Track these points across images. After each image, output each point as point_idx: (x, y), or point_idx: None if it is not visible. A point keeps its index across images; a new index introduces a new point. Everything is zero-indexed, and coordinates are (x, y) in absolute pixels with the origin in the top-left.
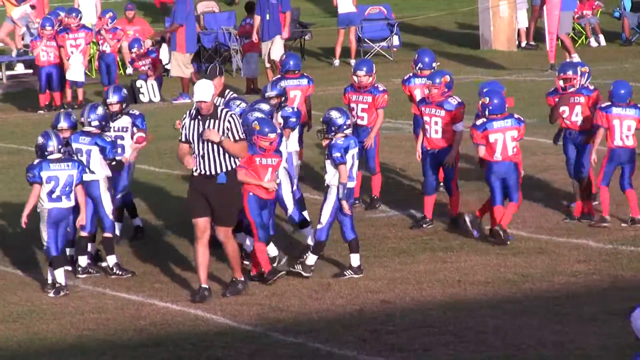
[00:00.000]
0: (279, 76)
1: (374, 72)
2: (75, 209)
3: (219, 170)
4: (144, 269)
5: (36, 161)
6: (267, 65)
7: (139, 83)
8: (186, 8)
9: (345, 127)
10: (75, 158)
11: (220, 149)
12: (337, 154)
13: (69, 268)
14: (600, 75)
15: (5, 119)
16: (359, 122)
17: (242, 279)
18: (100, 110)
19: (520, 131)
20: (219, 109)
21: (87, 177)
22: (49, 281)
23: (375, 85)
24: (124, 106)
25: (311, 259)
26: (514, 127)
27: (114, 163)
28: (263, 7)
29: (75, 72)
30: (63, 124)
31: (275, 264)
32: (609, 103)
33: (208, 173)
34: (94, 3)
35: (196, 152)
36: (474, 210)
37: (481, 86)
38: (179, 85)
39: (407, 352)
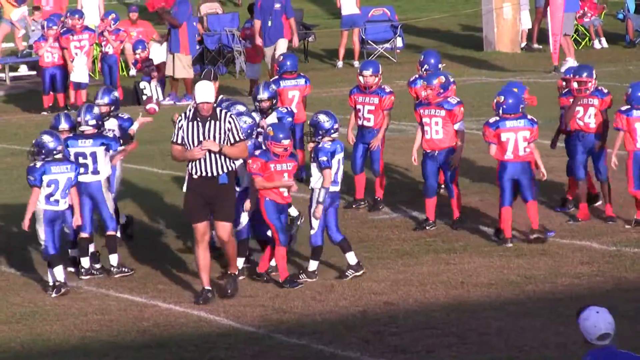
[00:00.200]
0: (274, 78)
1: (380, 73)
2: (71, 208)
3: (220, 172)
4: (147, 270)
5: (38, 164)
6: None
7: (142, 84)
8: (187, 9)
9: (332, 131)
10: (71, 160)
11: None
12: (323, 158)
13: (72, 269)
14: (604, 78)
15: (8, 120)
16: (366, 123)
17: (237, 272)
18: (96, 110)
19: (533, 132)
20: (217, 109)
21: (89, 178)
22: (50, 283)
23: (382, 86)
24: (112, 109)
25: (312, 265)
26: (527, 127)
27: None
28: (265, 13)
29: (79, 73)
30: (64, 125)
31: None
32: (629, 106)
33: (210, 175)
34: (97, 5)
35: None
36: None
37: (504, 86)
38: (182, 87)
39: (410, 354)
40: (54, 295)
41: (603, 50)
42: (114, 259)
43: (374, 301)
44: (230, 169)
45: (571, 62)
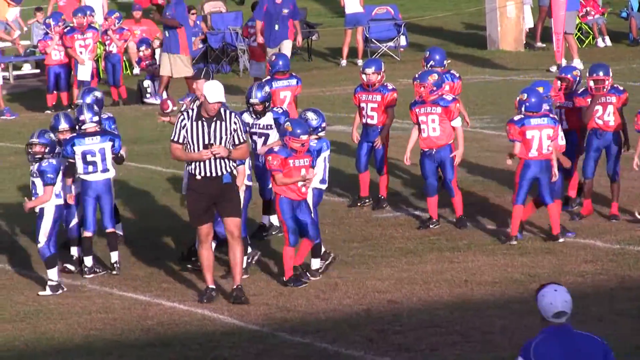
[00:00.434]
0: (267, 79)
1: (383, 70)
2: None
3: (224, 172)
4: (151, 270)
5: (54, 161)
6: None
7: (145, 83)
8: (184, 9)
9: (320, 129)
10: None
11: None
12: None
13: (73, 268)
14: None
15: (12, 119)
16: (369, 121)
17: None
18: (96, 108)
19: (555, 131)
20: (221, 109)
21: (98, 176)
22: (54, 282)
23: (385, 84)
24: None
25: (315, 263)
26: (550, 125)
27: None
28: (272, 17)
29: (84, 72)
30: (64, 125)
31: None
32: None
33: (214, 175)
34: (101, 4)
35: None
36: None
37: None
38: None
39: (414, 352)
40: (53, 294)
41: (606, 49)
42: (115, 256)
43: (377, 299)
44: (232, 168)
45: (577, 62)
